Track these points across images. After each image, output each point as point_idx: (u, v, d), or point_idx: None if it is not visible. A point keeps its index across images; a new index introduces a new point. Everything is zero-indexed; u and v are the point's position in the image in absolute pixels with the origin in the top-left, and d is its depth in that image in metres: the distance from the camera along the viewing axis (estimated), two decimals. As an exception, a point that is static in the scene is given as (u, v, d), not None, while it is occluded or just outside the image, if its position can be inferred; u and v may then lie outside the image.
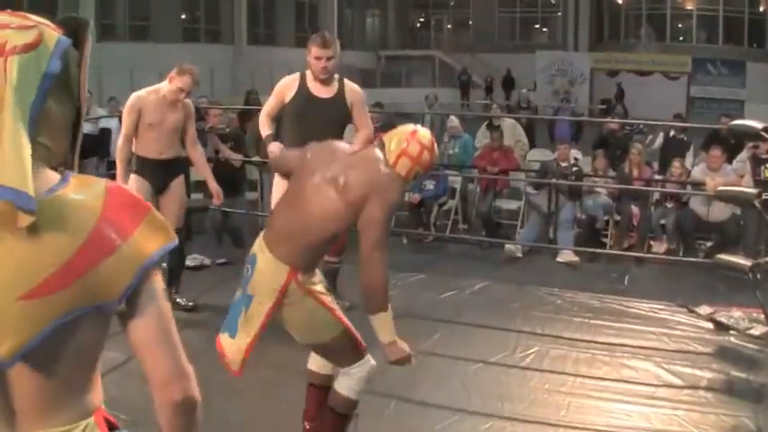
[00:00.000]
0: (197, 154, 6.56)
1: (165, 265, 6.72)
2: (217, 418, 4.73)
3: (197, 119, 9.40)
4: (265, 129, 6.17)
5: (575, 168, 9.75)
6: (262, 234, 3.82)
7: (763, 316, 6.29)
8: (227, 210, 8.54)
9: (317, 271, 3.87)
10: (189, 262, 7.47)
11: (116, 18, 27.30)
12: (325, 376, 4.04)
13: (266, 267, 3.66)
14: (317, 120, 5.91)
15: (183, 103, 6.30)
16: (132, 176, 6.24)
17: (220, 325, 6.23)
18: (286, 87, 6.11)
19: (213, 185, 6.54)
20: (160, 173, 6.30)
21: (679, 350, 5.95)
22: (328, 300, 3.77)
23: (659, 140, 11.58)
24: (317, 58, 5.93)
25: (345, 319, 3.77)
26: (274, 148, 5.99)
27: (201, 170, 6.63)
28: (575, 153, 10.69)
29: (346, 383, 3.84)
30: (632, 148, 9.59)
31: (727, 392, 5.21)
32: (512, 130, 11.35)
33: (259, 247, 3.73)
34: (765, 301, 6.34)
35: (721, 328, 6.42)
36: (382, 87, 31.61)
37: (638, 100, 24.88)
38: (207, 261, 8.01)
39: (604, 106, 27.02)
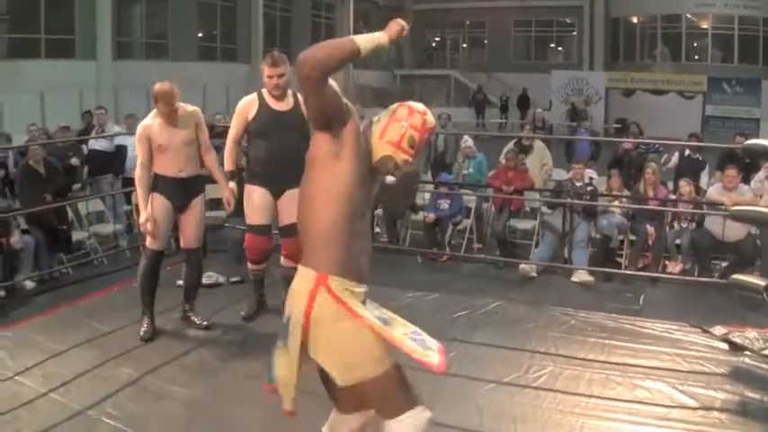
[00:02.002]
0: (211, 159, 6.59)
1: (180, 282, 6.77)
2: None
3: (215, 135, 9.48)
4: (229, 162, 6.61)
5: (589, 188, 9.74)
6: None
7: (778, 337, 6.26)
8: (239, 227, 8.58)
9: (365, 292, 3.35)
10: (204, 280, 7.49)
11: (132, 36, 27.41)
12: None
13: (296, 280, 3.31)
14: (280, 132, 6.36)
15: (189, 115, 6.35)
16: (153, 195, 6.28)
17: (234, 343, 6.31)
18: (247, 107, 6.48)
19: (225, 192, 6.54)
20: (180, 191, 6.34)
21: (693, 371, 5.91)
22: (375, 321, 3.24)
23: (674, 160, 11.53)
24: (270, 77, 6.37)
25: (403, 344, 3.22)
26: (227, 192, 6.55)
27: (215, 175, 6.63)
28: (590, 172, 10.67)
29: (399, 427, 3.29)
30: (647, 168, 9.57)
31: (741, 414, 5.17)
32: (541, 152, 11.38)
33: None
34: (780, 321, 6.32)
35: (736, 348, 6.37)
36: (398, 107, 31.55)
37: (653, 119, 24.74)
38: (221, 279, 8.03)
39: (619, 125, 26.99)
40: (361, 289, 3.30)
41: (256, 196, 6.49)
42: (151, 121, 6.23)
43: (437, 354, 3.27)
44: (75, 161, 10.84)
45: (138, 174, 6.22)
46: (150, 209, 6.21)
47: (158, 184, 6.30)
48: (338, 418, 3.60)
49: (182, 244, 6.64)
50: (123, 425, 4.74)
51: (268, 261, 6.76)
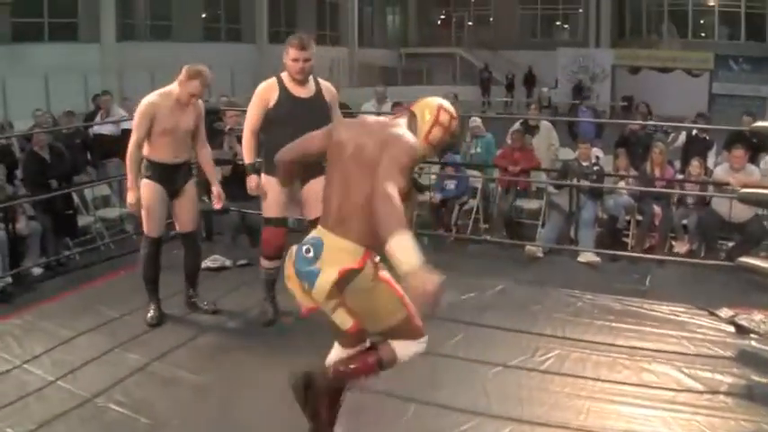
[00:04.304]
0: (205, 155, 6.52)
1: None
2: (238, 419, 4.77)
3: (217, 119, 9.44)
4: (249, 154, 6.20)
5: (596, 167, 9.72)
6: (318, 226, 3.90)
7: (785, 319, 6.26)
8: (245, 211, 8.56)
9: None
10: (210, 263, 7.50)
11: (137, 18, 27.34)
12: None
13: (339, 245, 3.75)
14: (303, 120, 5.82)
15: (194, 104, 6.26)
16: (144, 182, 6.19)
17: (242, 327, 6.30)
18: (267, 92, 6.10)
19: (216, 188, 6.47)
20: (173, 177, 6.27)
21: (699, 354, 5.91)
22: (396, 284, 3.81)
23: (681, 139, 11.49)
24: (295, 60, 5.97)
25: (410, 304, 3.85)
26: (253, 183, 6.18)
27: (208, 171, 6.56)
28: (596, 152, 10.64)
29: (400, 345, 4.01)
30: (654, 148, 9.53)
31: (747, 397, 5.16)
32: (548, 132, 11.36)
33: (320, 232, 3.84)
34: (788, 304, 6.32)
35: (742, 331, 6.37)
36: (404, 85, 31.54)
37: (659, 97, 24.68)
38: (228, 262, 7.99)
39: (626, 103, 26.90)
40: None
41: (274, 188, 6.07)
42: (159, 101, 6.08)
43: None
44: None
45: (130, 151, 6.08)
46: (144, 196, 6.15)
47: (151, 171, 6.20)
48: (339, 353, 4.18)
49: (178, 228, 6.59)
50: (132, 411, 4.76)
51: (281, 260, 6.53)
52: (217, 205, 6.58)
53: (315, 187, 6.15)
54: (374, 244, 3.63)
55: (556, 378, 5.43)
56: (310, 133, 4.37)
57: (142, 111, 6.05)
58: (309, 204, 6.23)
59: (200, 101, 6.37)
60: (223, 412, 4.84)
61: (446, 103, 4.00)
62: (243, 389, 5.15)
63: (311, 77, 6.16)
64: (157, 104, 6.06)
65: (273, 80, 6.15)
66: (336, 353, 4.18)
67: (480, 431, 4.66)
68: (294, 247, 3.93)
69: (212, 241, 8.67)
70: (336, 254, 3.72)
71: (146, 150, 6.16)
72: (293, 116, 5.95)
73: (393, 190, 3.44)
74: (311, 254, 3.76)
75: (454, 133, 4.00)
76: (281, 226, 6.29)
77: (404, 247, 3.32)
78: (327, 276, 3.68)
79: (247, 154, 6.21)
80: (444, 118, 3.93)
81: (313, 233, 3.88)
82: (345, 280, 3.69)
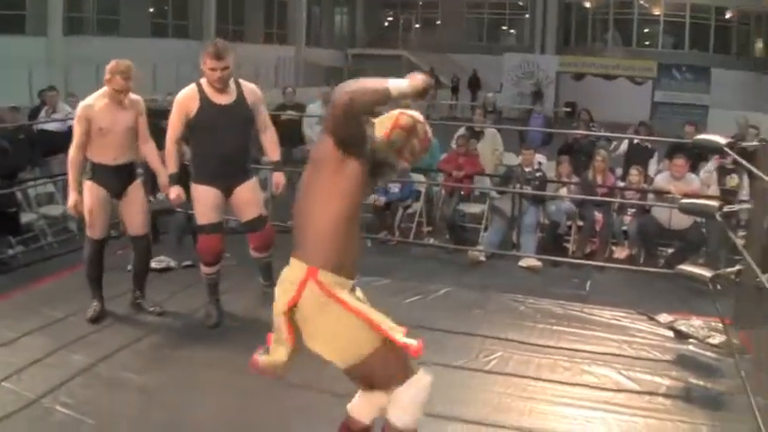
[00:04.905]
0: (149, 150, 6.47)
1: (130, 268, 6.74)
2: (184, 420, 4.78)
3: (165, 117, 9.39)
4: (171, 164, 6.20)
5: (538, 174, 9.85)
6: None
7: (721, 325, 6.40)
8: (191, 212, 8.52)
9: (353, 284, 3.55)
10: (155, 264, 7.44)
11: (84, 12, 27.08)
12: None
13: (287, 271, 3.48)
14: (226, 127, 6.03)
15: (132, 101, 6.19)
16: (87, 184, 6.16)
17: (187, 329, 6.30)
18: (187, 101, 6.07)
19: (163, 180, 6.39)
20: (116, 178, 6.23)
21: (639, 357, 6.05)
22: (360, 306, 3.42)
23: (623, 147, 11.67)
24: (213, 69, 5.93)
25: (385, 328, 3.38)
26: (173, 194, 6.23)
27: (154, 165, 6.50)
28: (539, 158, 10.78)
29: (399, 413, 3.53)
30: (597, 155, 9.68)
31: (685, 400, 5.31)
32: (492, 138, 11.48)
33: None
34: (724, 310, 6.47)
35: (681, 336, 6.53)
36: (349, 86, 31.55)
37: (603, 103, 25.01)
38: (173, 263, 7.96)
39: (569, 109, 27.20)
40: (351, 283, 3.51)
41: (205, 195, 6.18)
42: (93, 102, 6.04)
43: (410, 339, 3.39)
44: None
45: (71, 155, 6.07)
46: (87, 198, 6.13)
47: (94, 172, 6.17)
48: (361, 396, 3.75)
49: (128, 231, 6.54)
50: (78, 413, 4.73)
51: (221, 264, 6.49)
52: (170, 198, 6.47)
53: (240, 194, 6.24)
54: (329, 261, 3.37)
55: (499, 379, 5.52)
56: None
57: (78, 114, 6.04)
58: (239, 210, 6.41)
59: (138, 98, 6.31)
60: (169, 413, 4.82)
61: (408, 111, 3.66)
62: (188, 390, 5.15)
63: (232, 81, 6.13)
64: (92, 106, 6.02)
65: (193, 88, 6.10)
66: (358, 397, 3.78)
67: (424, 431, 4.71)
68: None
69: (158, 242, 8.62)
70: (285, 279, 3.48)
71: (88, 152, 6.14)
72: (215, 124, 6.00)
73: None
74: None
75: (427, 137, 3.62)
76: (216, 232, 6.31)
77: (396, 84, 3.27)
78: (282, 302, 3.43)
79: (169, 163, 6.20)
80: (406, 121, 3.58)
81: None
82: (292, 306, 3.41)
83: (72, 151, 6.08)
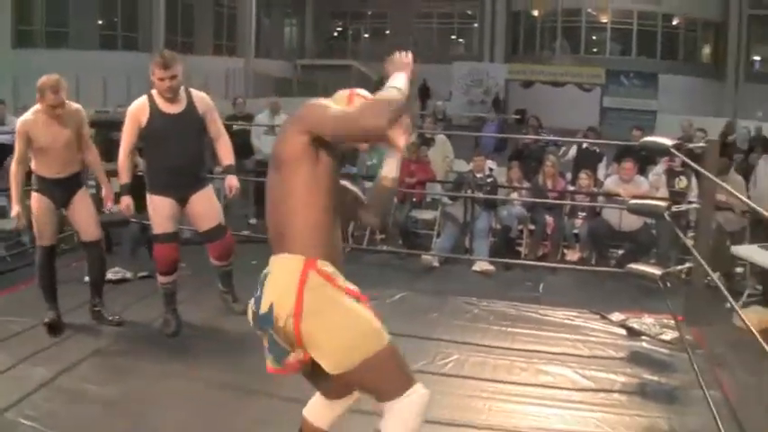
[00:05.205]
0: (93, 159, 6.46)
1: (86, 279, 6.71)
2: (149, 430, 4.78)
3: (117, 128, 9.39)
4: (123, 175, 6.24)
5: (490, 179, 9.95)
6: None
7: (673, 321, 6.53)
8: (146, 222, 8.50)
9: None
10: (110, 275, 7.39)
11: (33, 24, 26.86)
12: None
13: (279, 266, 3.22)
14: (177, 136, 6.08)
15: (70, 113, 6.14)
16: (33, 195, 6.16)
17: (147, 339, 6.27)
18: (139, 112, 6.12)
19: (106, 189, 6.45)
20: (59, 189, 6.20)
21: (593, 355, 6.16)
22: (364, 303, 3.30)
23: (572, 152, 11.83)
24: (161, 80, 5.97)
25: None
26: (124, 204, 6.32)
27: (97, 173, 6.53)
28: (490, 164, 10.89)
29: (399, 426, 3.25)
30: (546, 160, 9.82)
31: (640, 395, 5.42)
32: (443, 145, 11.56)
33: (270, 262, 3.29)
34: (675, 306, 6.59)
35: (633, 333, 6.66)
36: (299, 96, 31.58)
37: (552, 110, 25.28)
38: (128, 275, 7.90)
39: (518, 116, 27.44)
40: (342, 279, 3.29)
41: (161, 206, 6.19)
42: (32, 117, 6.00)
43: None
44: None
45: (12, 169, 6.06)
46: (34, 207, 6.12)
47: (38, 183, 6.16)
48: (323, 403, 3.61)
49: (81, 238, 6.52)
50: (42, 426, 4.68)
51: (177, 273, 6.47)
52: (107, 204, 6.56)
53: (196, 203, 6.27)
54: (323, 252, 3.22)
55: (456, 381, 5.57)
56: None
57: (18, 130, 6.03)
58: (196, 220, 6.42)
59: (78, 107, 6.30)
60: (133, 424, 4.80)
61: (355, 90, 3.57)
62: (151, 400, 5.13)
63: (182, 91, 6.16)
64: (30, 122, 6.00)
65: (144, 99, 6.15)
66: (318, 403, 3.65)
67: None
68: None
69: (112, 253, 8.58)
70: (278, 276, 3.21)
71: (33, 165, 6.15)
72: (166, 133, 6.05)
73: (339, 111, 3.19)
74: (258, 292, 3.25)
75: None
76: (171, 241, 6.31)
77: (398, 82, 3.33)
78: (286, 303, 3.13)
79: (121, 174, 6.24)
80: (362, 92, 3.53)
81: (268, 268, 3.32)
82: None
83: (13, 166, 6.08)
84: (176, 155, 6.08)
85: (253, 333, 3.35)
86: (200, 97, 6.32)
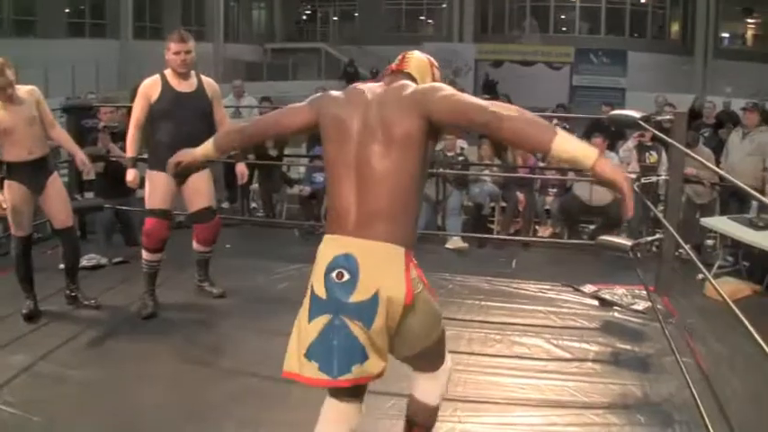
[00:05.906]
0: (59, 134, 6.41)
1: (61, 266, 6.72)
2: (130, 412, 4.81)
3: (92, 116, 9.37)
4: (131, 147, 6.38)
5: (461, 158, 10.02)
6: (329, 236, 3.12)
7: (644, 292, 6.62)
8: (120, 207, 8.52)
9: None
10: (85, 262, 7.40)
11: (0, 12, 26.65)
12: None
13: (379, 254, 2.96)
14: (186, 115, 6.19)
15: (27, 94, 6.08)
16: (6, 183, 6.11)
17: (123, 323, 6.26)
18: (150, 88, 6.27)
19: (79, 156, 6.40)
20: (33, 174, 6.15)
21: (566, 326, 6.25)
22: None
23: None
24: (176, 53, 6.17)
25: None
26: (130, 176, 6.45)
27: (66, 146, 6.50)
28: (461, 143, 10.96)
29: (437, 390, 3.51)
30: (517, 137, 9.87)
31: (613, 363, 5.51)
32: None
33: (341, 244, 3.03)
34: (646, 277, 6.68)
35: (605, 304, 6.75)
36: (269, 80, 31.55)
37: (521, 89, 25.37)
38: (103, 260, 7.89)
39: (488, 96, 27.51)
40: None
41: (162, 182, 6.23)
42: None
43: None
44: None
45: None
46: (8, 197, 6.03)
47: (11, 172, 6.11)
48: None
49: (54, 225, 6.48)
50: (23, 411, 4.68)
51: (163, 253, 6.51)
52: (84, 172, 6.55)
53: (193, 182, 6.32)
54: (413, 242, 3.06)
55: (431, 355, 5.62)
56: (289, 106, 3.65)
57: None
58: (190, 198, 6.51)
59: (35, 88, 6.23)
60: (114, 406, 4.80)
61: (430, 58, 3.48)
62: (130, 381, 5.15)
63: (193, 73, 6.35)
64: None
65: (156, 76, 6.31)
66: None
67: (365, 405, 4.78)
68: (311, 287, 3.09)
69: (86, 240, 8.57)
70: (379, 263, 2.95)
71: (2, 153, 6.10)
72: (175, 110, 6.18)
73: (499, 108, 2.85)
74: (345, 277, 2.95)
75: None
76: (165, 218, 6.38)
77: (573, 140, 2.83)
78: (396, 294, 2.93)
79: (129, 147, 6.39)
80: (438, 74, 3.40)
81: (330, 250, 3.05)
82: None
83: None
84: (182, 132, 6.04)
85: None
86: (209, 82, 6.52)
